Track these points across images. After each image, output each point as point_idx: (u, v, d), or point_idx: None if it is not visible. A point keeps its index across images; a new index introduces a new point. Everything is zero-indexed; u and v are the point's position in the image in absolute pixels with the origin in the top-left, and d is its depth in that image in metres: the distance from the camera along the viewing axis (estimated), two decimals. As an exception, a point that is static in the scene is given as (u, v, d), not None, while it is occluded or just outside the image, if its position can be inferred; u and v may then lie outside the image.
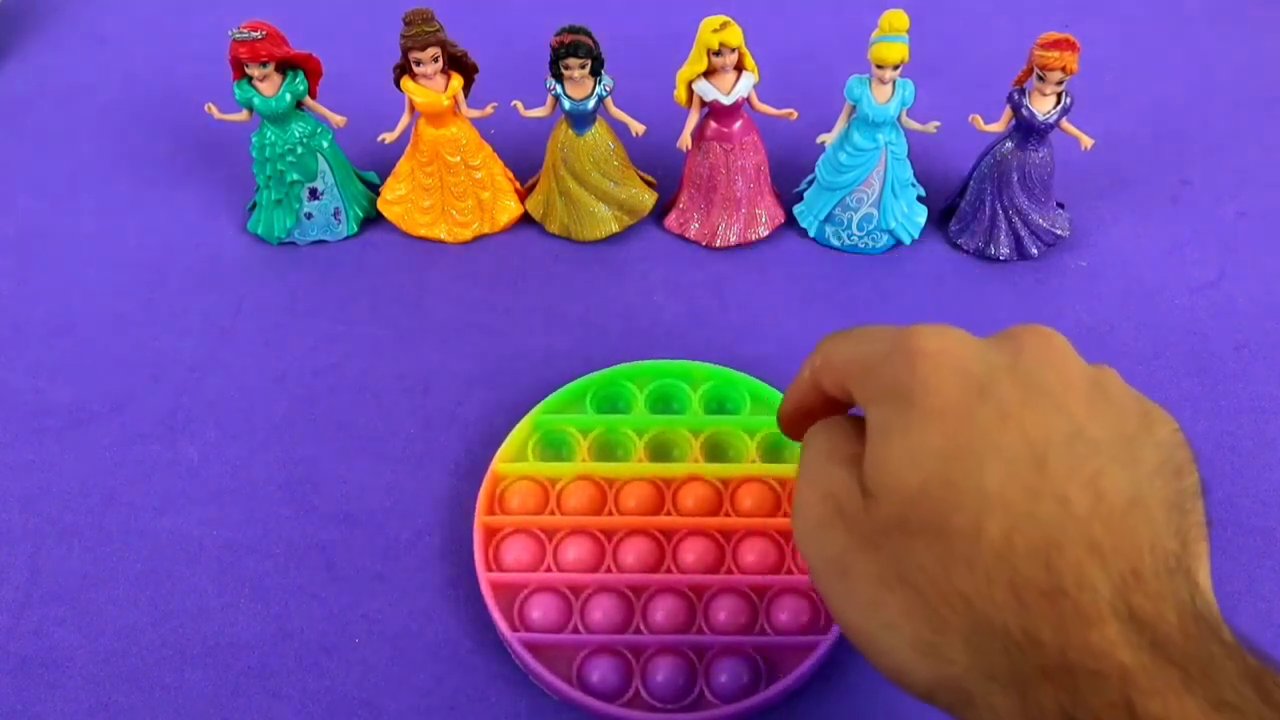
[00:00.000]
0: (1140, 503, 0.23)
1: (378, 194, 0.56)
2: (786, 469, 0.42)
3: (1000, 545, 0.22)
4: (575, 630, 0.39)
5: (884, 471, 0.25)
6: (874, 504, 0.25)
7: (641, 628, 0.39)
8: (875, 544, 0.25)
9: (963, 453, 0.24)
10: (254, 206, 0.56)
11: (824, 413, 0.31)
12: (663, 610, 0.39)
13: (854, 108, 0.51)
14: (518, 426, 0.44)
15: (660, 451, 0.44)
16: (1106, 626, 0.21)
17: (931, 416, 0.25)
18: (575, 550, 0.41)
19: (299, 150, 0.53)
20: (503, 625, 0.38)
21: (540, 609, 0.39)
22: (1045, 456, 0.23)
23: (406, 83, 0.51)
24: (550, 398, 0.45)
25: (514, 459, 0.43)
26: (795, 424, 0.32)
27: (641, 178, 0.56)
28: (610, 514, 0.42)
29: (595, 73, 0.50)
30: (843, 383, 0.28)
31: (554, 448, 0.45)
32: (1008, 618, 0.22)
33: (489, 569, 0.40)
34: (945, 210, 0.56)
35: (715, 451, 0.44)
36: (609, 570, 0.40)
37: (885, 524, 0.24)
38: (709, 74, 0.50)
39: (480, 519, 0.41)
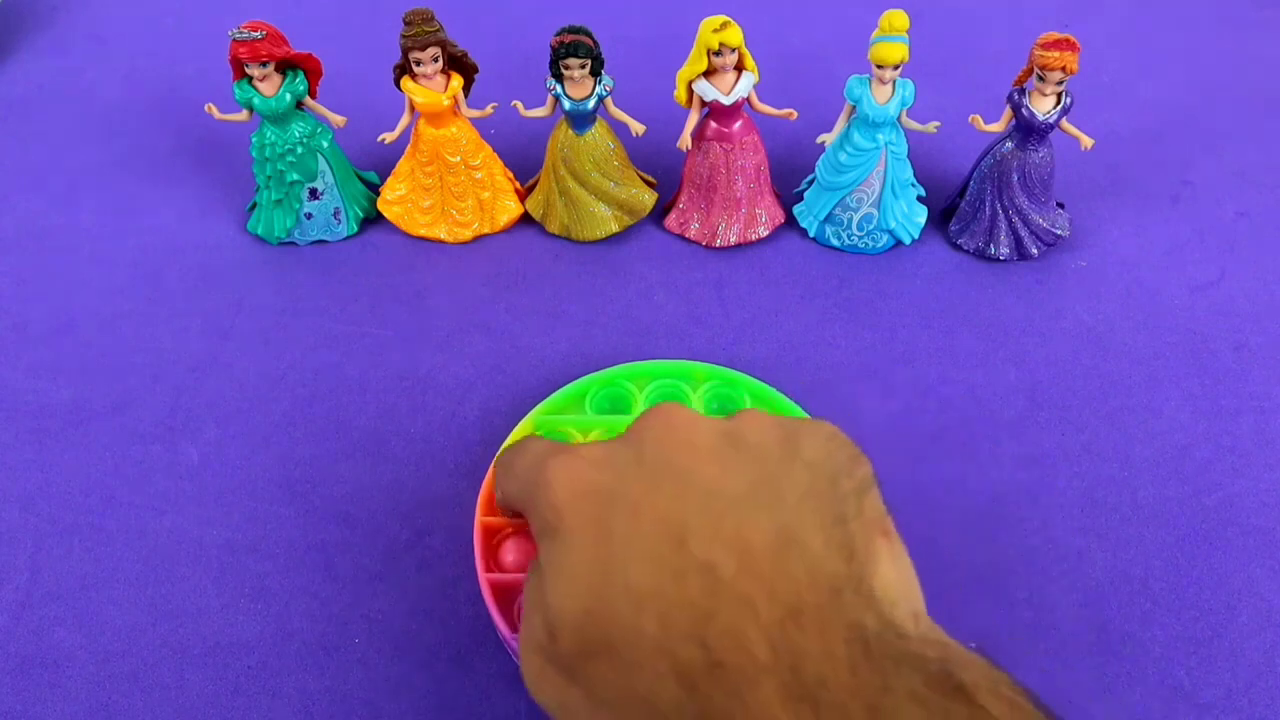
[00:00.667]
0: (790, 539, 0.23)
1: (378, 194, 0.56)
2: None
3: (659, 636, 0.22)
4: None
5: (552, 610, 0.25)
6: (557, 639, 0.25)
7: None
8: (575, 677, 0.25)
9: (608, 563, 0.24)
10: (254, 206, 0.56)
11: None
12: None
13: (854, 108, 0.51)
14: (518, 427, 0.44)
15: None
16: (761, 688, 0.21)
17: (573, 540, 0.25)
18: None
19: (299, 150, 0.53)
20: (503, 626, 0.38)
21: None
22: (683, 533, 0.24)
23: (406, 83, 0.51)
24: (550, 398, 0.45)
25: (514, 459, 0.43)
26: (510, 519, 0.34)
27: (641, 178, 0.56)
28: None
29: (595, 73, 0.50)
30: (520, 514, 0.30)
31: (554, 448, 0.45)
32: (685, 707, 0.22)
33: (489, 570, 0.40)
34: (945, 210, 0.56)
35: None
36: None
37: (571, 654, 0.25)
38: (709, 74, 0.50)
39: (480, 519, 0.41)
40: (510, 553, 0.41)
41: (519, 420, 0.45)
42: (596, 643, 0.24)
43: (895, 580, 0.23)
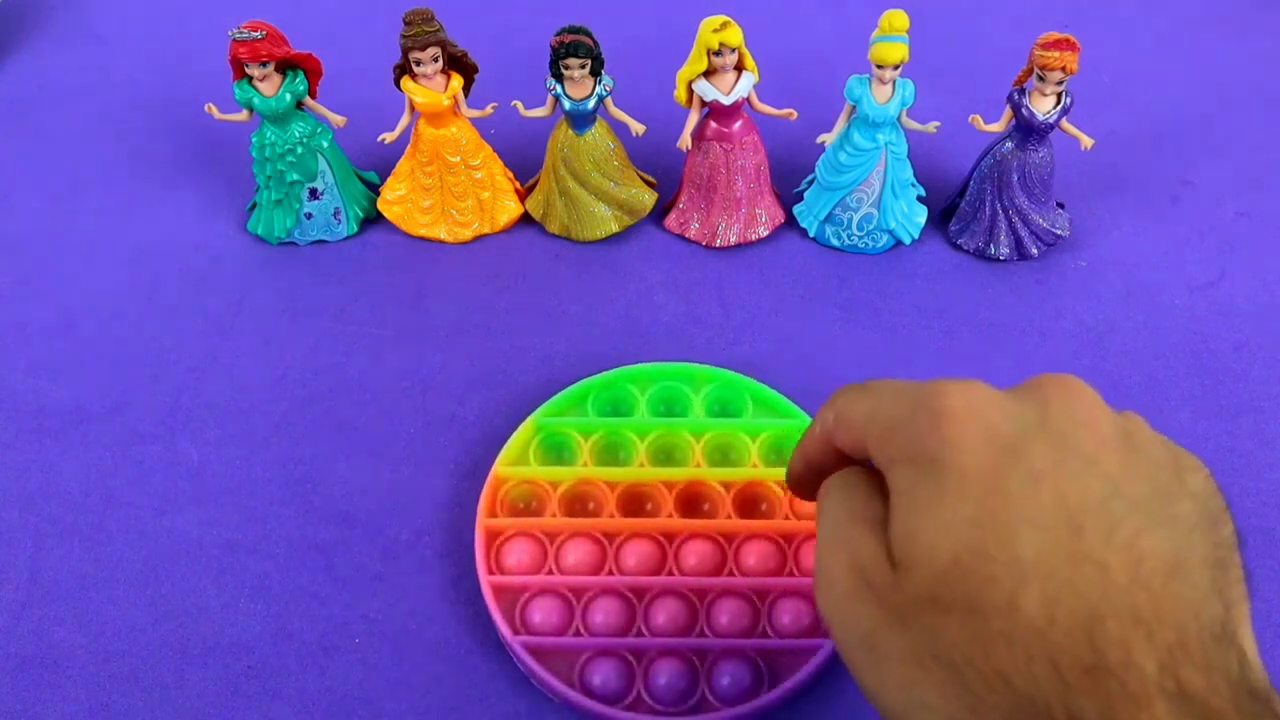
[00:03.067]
0: (1182, 565, 0.22)
1: (378, 194, 0.56)
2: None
3: (1039, 620, 0.21)
4: (577, 633, 0.39)
5: (914, 543, 0.23)
6: (904, 577, 0.24)
7: (643, 630, 0.39)
8: (906, 620, 0.23)
9: (996, 521, 0.23)
10: (254, 206, 0.56)
11: (836, 468, 0.29)
12: (664, 613, 0.39)
13: (854, 108, 0.50)
14: (519, 429, 0.44)
15: (662, 454, 0.44)
16: (1155, 706, 0.20)
17: (962, 482, 0.23)
18: (576, 553, 0.41)
19: (299, 150, 0.52)
20: (504, 628, 0.38)
21: (542, 612, 0.39)
22: (1082, 521, 0.22)
23: (406, 83, 0.51)
24: (552, 400, 0.45)
25: (516, 462, 0.43)
26: (807, 483, 0.31)
27: (641, 178, 0.56)
28: (612, 517, 0.42)
29: (595, 73, 0.50)
30: (861, 441, 0.27)
31: (556, 451, 0.45)
32: (1050, 697, 0.21)
33: (490, 572, 0.40)
34: (945, 210, 0.56)
35: (717, 454, 0.44)
36: (610, 573, 0.40)
37: (917, 599, 0.23)
38: (709, 74, 0.50)
39: (482, 522, 0.41)
40: (512, 555, 0.41)
41: (519, 420, 0.45)
42: (958, 599, 0.22)
43: (1254, 647, 0.23)
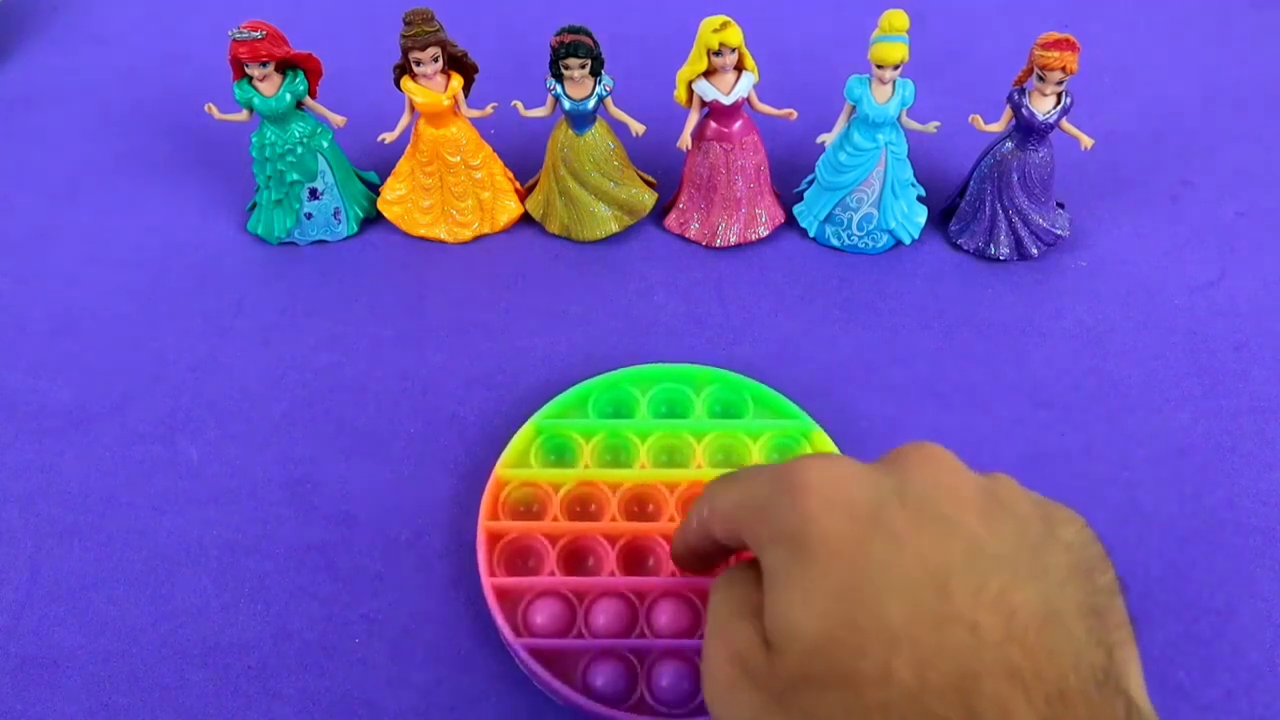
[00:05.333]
0: (1055, 616, 0.22)
1: (378, 194, 0.56)
2: None
3: (913, 686, 0.21)
4: (579, 635, 0.39)
5: (783, 620, 0.23)
6: (778, 658, 0.23)
7: (646, 632, 0.39)
8: (784, 701, 0.23)
9: (861, 590, 0.22)
10: (254, 206, 0.56)
11: (723, 556, 0.30)
12: (667, 614, 0.39)
13: (854, 108, 0.50)
14: (520, 431, 0.44)
15: (664, 456, 0.44)
16: None
17: (824, 555, 0.23)
18: (578, 555, 0.41)
19: (299, 150, 0.52)
20: (507, 631, 0.38)
21: (544, 614, 0.39)
22: (947, 581, 0.22)
23: (406, 83, 0.51)
24: (553, 402, 0.45)
25: (517, 464, 0.43)
26: (691, 564, 0.32)
27: (641, 178, 0.56)
28: (613, 519, 0.41)
29: (595, 73, 0.50)
30: (734, 530, 0.27)
31: (557, 453, 0.45)
32: None
33: (492, 574, 0.40)
34: (945, 210, 0.56)
35: (719, 456, 0.44)
36: (612, 575, 0.40)
37: (792, 678, 0.23)
38: (709, 74, 0.50)
39: (484, 524, 0.41)
40: (514, 558, 0.41)
41: (519, 420, 0.45)
42: (831, 673, 0.22)
43: (1143, 692, 0.22)
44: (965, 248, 0.54)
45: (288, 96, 0.51)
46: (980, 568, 0.22)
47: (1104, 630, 0.22)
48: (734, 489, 0.28)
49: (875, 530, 0.23)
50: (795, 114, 0.52)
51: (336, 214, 0.55)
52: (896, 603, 0.22)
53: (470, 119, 0.54)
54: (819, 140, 0.53)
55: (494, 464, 0.43)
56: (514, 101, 0.53)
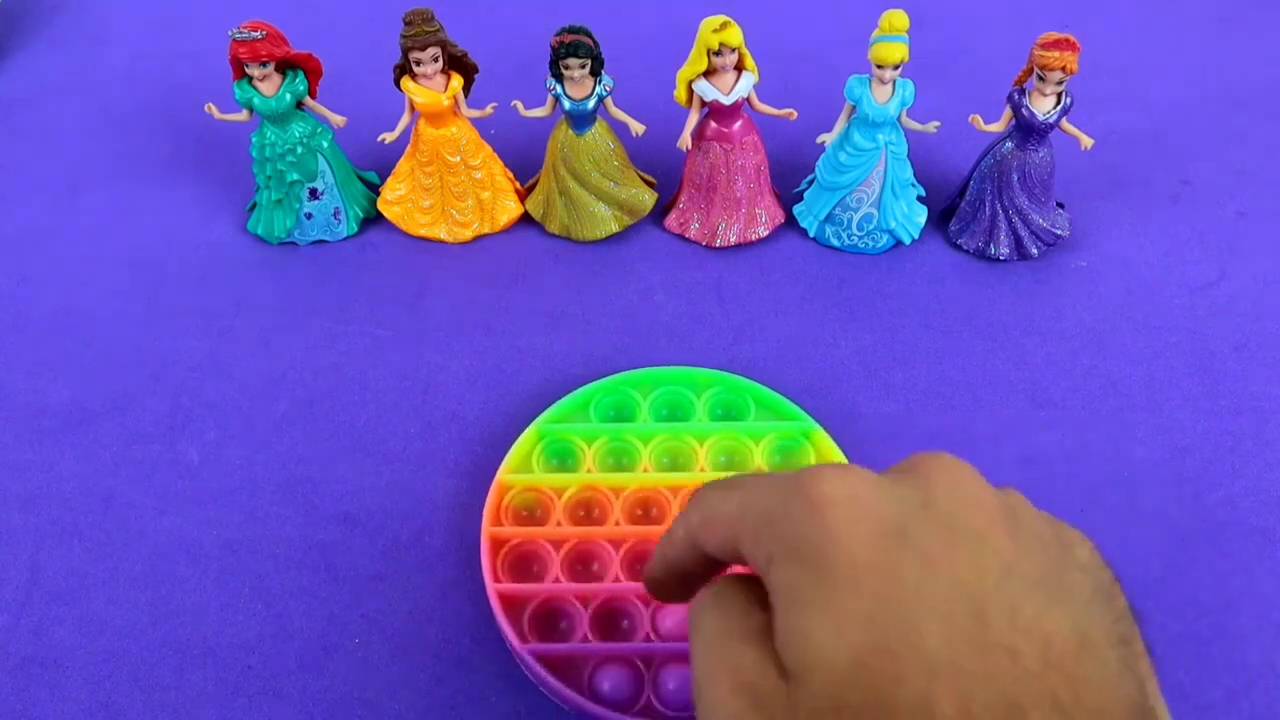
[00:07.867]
0: (1089, 643, 0.21)
1: (378, 194, 0.56)
2: None
3: (954, 717, 0.19)
4: (585, 640, 0.38)
5: (807, 648, 0.21)
6: (799, 687, 0.21)
7: (652, 636, 0.39)
8: None
9: (895, 614, 0.21)
10: (254, 206, 0.56)
11: (703, 575, 0.27)
12: (673, 618, 0.39)
13: (854, 108, 0.50)
14: (522, 436, 0.44)
15: (666, 459, 0.44)
16: None
17: (850, 574, 0.21)
18: (583, 560, 0.41)
19: (299, 150, 0.53)
20: (513, 637, 0.38)
21: (549, 620, 0.39)
22: (984, 605, 0.21)
23: (406, 83, 0.51)
24: (554, 407, 0.45)
25: (519, 469, 0.43)
26: (668, 588, 0.28)
27: (641, 178, 0.56)
28: (617, 524, 0.41)
29: (595, 73, 0.50)
30: (732, 541, 0.24)
31: (559, 457, 0.44)
32: None
33: (497, 580, 0.40)
34: (945, 210, 0.56)
35: (721, 458, 0.44)
36: (617, 579, 0.40)
37: (816, 710, 0.20)
38: (709, 74, 0.50)
39: (487, 530, 0.41)
40: (518, 564, 0.40)
41: (519, 420, 0.45)
42: (864, 704, 0.20)
43: None
44: (965, 248, 0.54)
45: (288, 96, 0.51)
46: (1012, 590, 0.21)
47: (1133, 659, 0.21)
48: (734, 496, 0.25)
49: (905, 549, 0.22)
50: (795, 114, 0.52)
51: (336, 214, 0.55)
52: (933, 628, 0.20)
53: (470, 119, 0.54)
54: (819, 140, 0.53)
55: (494, 464, 0.43)
56: (514, 101, 0.53)
